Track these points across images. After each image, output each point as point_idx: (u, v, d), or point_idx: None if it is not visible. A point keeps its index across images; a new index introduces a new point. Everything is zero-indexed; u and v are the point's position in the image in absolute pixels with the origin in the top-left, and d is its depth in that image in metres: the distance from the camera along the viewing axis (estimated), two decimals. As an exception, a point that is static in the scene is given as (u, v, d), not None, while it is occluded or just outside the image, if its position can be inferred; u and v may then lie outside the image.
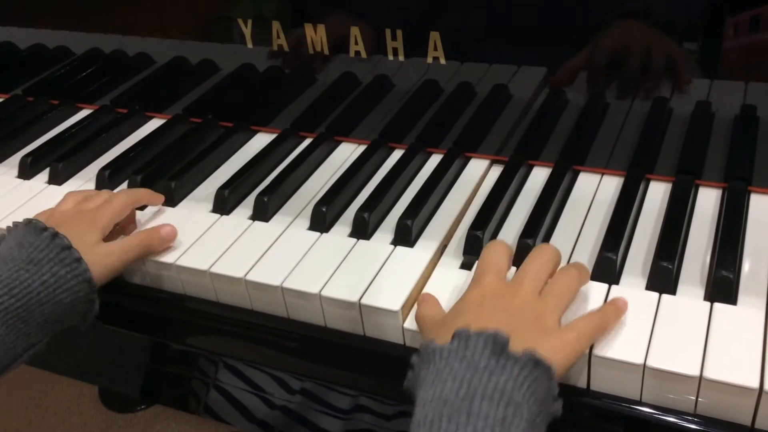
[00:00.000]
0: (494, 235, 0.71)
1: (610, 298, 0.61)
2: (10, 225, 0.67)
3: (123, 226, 0.75)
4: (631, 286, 0.63)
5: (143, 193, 0.78)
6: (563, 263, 0.66)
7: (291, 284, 0.66)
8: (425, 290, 0.65)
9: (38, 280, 0.62)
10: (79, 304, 0.65)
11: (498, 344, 0.50)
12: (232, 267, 0.69)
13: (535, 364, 0.50)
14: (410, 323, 0.63)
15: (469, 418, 0.47)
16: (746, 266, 0.64)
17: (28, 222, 0.66)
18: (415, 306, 0.63)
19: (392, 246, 0.70)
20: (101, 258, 0.68)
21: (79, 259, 0.65)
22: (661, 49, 0.73)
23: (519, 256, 0.67)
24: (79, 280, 0.64)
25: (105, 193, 0.76)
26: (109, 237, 0.72)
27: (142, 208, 0.79)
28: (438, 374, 0.50)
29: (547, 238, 0.70)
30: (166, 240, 0.72)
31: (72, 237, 0.66)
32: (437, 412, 0.48)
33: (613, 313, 0.58)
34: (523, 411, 0.48)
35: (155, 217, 0.78)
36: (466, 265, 0.68)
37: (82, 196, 0.75)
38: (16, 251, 0.64)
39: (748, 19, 0.68)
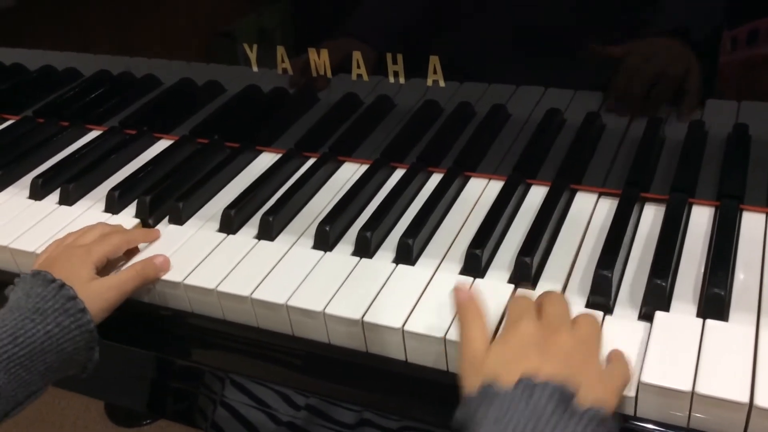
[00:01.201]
0: (493, 253, 0.73)
1: (605, 316, 0.63)
2: (19, 277, 0.69)
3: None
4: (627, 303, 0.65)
5: (139, 234, 0.79)
6: (562, 281, 0.68)
7: (296, 302, 0.68)
8: (424, 309, 0.66)
9: (42, 330, 0.64)
10: (80, 353, 0.67)
11: (565, 395, 0.50)
12: (238, 286, 0.71)
13: (600, 421, 0.50)
14: (411, 341, 0.64)
15: None
16: (738, 283, 0.65)
17: (36, 273, 0.68)
18: (420, 307, 0.63)
19: (394, 264, 0.72)
20: (100, 293, 0.69)
21: (83, 310, 0.66)
22: (662, 70, 0.75)
23: (517, 274, 0.69)
24: (82, 330, 0.66)
25: (100, 227, 0.77)
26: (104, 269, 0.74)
27: None
28: (497, 420, 0.49)
29: (545, 256, 0.72)
30: (160, 270, 0.73)
31: (66, 273, 0.68)
32: None
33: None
34: None
35: (164, 237, 0.80)
36: (465, 283, 0.70)
37: (78, 234, 0.76)
38: (23, 301, 0.65)
39: (744, 35, 0.70)
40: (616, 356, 0.57)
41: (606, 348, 0.58)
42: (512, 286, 0.68)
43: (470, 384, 0.54)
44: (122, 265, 0.76)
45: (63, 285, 0.66)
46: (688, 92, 0.74)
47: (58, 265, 0.70)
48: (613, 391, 0.54)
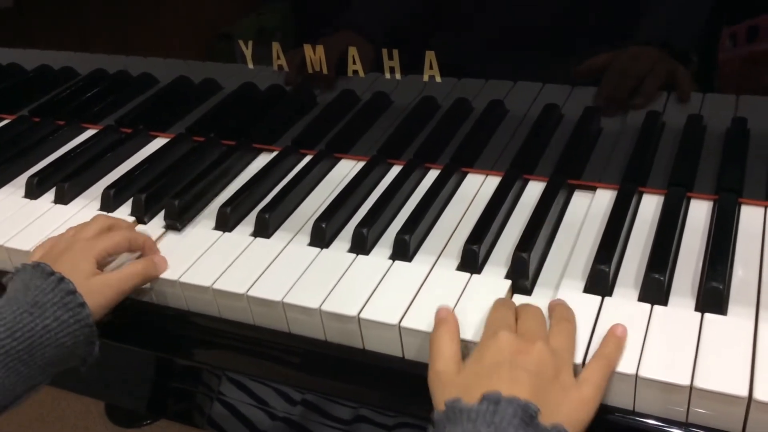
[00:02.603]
0: (490, 249, 0.73)
1: (603, 310, 0.63)
2: (18, 266, 0.68)
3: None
4: (624, 297, 0.64)
5: (140, 238, 0.76)
6: (558, 275, 0.68)
7: (292, 299, 0.68)
8: (420, 306, 0.66)
9: (41, 324, 0.63)
10: (79, 347, 0.66)
11: (528, 414, 0.51)
12: (234, 283, 0.70)
13: None
14: (407, 337, 0.64)
15: None
16: (736, 277, 0.65)
17: (36, 265, 0.67)
18: (417, 303, 0.63)
19: (391, 261, 0.72)
20: (100, 290, 0.68)
21: (82, 304, 0.65)
22: (657, 66, 0.74)
23: (514, 270, 0.69)
24: (81, 325, 0.65)
25: (101, 219, 0.76)
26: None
27: None
28: None
29: (543, 252, 0.71)
30: (160, 270, 0.73)
31: (67, 267, 0.67)
32: None
33: (615, 346, 0.58)
34: None
35: (160, 235, 0.80)
36: (462, 279, 0.69)
37: (78, 228, 0.76)
38: (21, 293, 0.65)
39: (744, 30, 0.69)
40: (590, 369, 0.57)
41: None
42: (509, 281, 0.68)
43: (438, 400, 0.56)
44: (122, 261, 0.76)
45: (62, 278, 0.66)
46: (685, 86, 0.74)
47: (59, 258, 0.69)
48: (582, 401, 0.55)
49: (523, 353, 0.56)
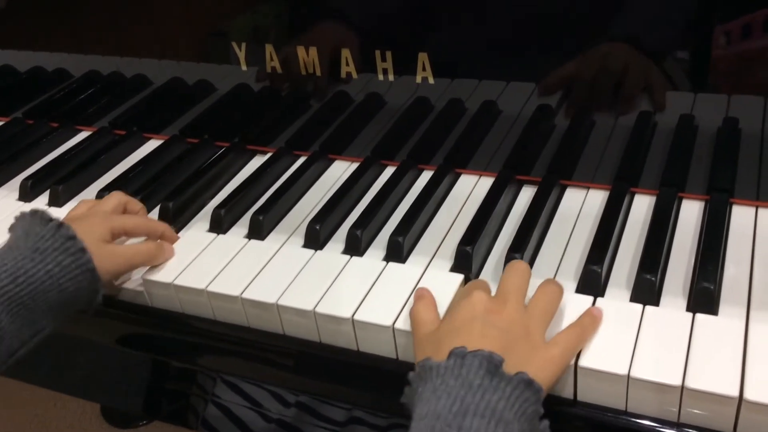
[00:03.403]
0: (484, 250, 0.73)
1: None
2: (18, 214, 0.69)
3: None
4: (616, 298, 0.65)
5: (160, 228, 0.77)
6: (551, 276, 0.68)
7: (286, 301, 0.68)
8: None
9: (43, 269, 0.63)
10: (82, 292, 0.67)
11: (492, 364, 0.52)
12: (228, 285, 0.71)
13: (527, 384, 0.52)
14: (401, 338, 0.64)
15: None
16: (727, 277, 0.65)
17: (35, 212, 0.68)
18: (410, 305, 0.64)
19: (384, 262, 0.72)
20: (108, 256, 0.69)
21: (83, 249, 0.66)
22: (645, 66, 0.75)
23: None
24: (82, 270, 0.66)
25: (118, 195, 0.78)
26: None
27: None
28: (434, 391, 0.52)
29: (535, 252, 0.72)
30: (167, 256, 0.74)
31: (82, 230, 0.67)
32: (430, 426, 0.50)
33: (590, 323, 0.60)
34: (514, 429, 0.50)
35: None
36: (456, 280, 0.70)
37: (97, 200, 0.77)
38: (21, 240, 0.65)
39: (738, 28, 0.70)
40: (562, 333, 0.59)
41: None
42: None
43: (417, 361, 0.57)
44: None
45: (61, 224, 0.66)
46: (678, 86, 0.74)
47: (74, 221, 0.70)
48: (549, 359, 0.56)
49: (494, 312, 0.58)
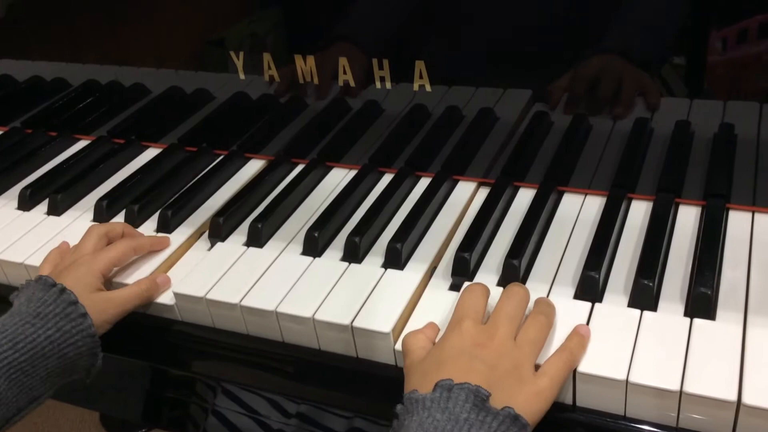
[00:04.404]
0: (482, 256, 0.73)
1: (593, 316, 0.63)
2: (23, 283, 0.69)
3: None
4: (614, 304, 0.65)
5: (146, 241, 0.78)
6: (549, 282, 0.69)
7: (285, 309, 0.68)
8: (415, 313, 0.67)
9: (43, 335, 0.63)
10: (83, 358, 0.67)
11: (479, 398, 0.52)
12: (227, 293, 0.71)
13: (513, 419, 0.52)
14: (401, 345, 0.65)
15: None
16: (724, 282, 0.66)
17: (39, 278, 0.68)
18: (409, 311, 0.65)
19: (383, 269, 0.72)
20: (103, 307, 0.69)
21: (84, 315, 0.66)
22: (641, 71, 0.75)
23: (505, 278, 0.69)
24: (83, 335, 0.66)
25: (95, 230, 0.76)
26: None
27: None
28: (420, 424, 0.52)
29: (532, 258, 0.72)
30: (162, 289, 0.74)
31: (71, 282, 0.67)
32: None
33: (578, 345, 0.59)
34: None
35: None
36: (454, 287, 0.70)
37: (78, 243, 0.76)
38: (24, 306, 0.65)
39: (734, 34, 0.70)
40: (549, 362, 0.58)
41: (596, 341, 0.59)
42: (501, 288, 0.68)
43: (406, 391, 0.57)
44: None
45: (64, 289, 0.66)
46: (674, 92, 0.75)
47: (62, 273, 0.70)
48: (537, 393, 0.55)
49: (482, 346, 0.58)
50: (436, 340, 0.61)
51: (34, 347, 0.63)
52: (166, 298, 0.73)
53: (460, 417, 0.51)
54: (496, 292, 0.67)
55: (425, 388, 0.55)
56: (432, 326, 0.64)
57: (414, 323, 0.66)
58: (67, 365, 0.65)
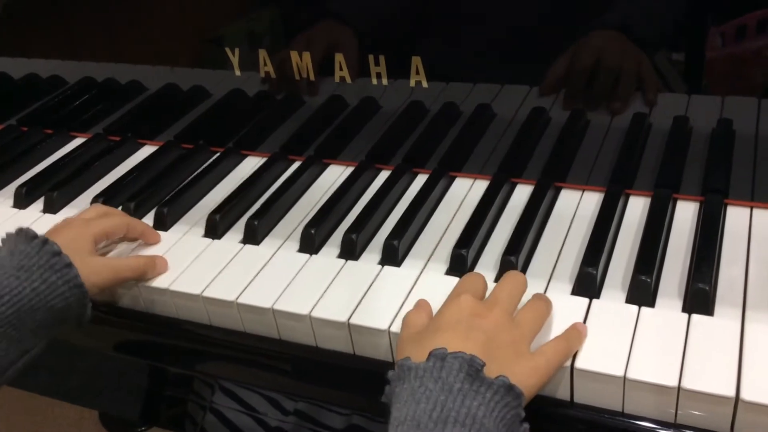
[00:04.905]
0: (479, 253, 0.73)
1: (591, 312, 0.63)
2: (4, 236, 0.68)
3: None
4: (612, 300, 0.65)
5: (139, 224, 0.78)
6: (546, 278, 0.68)
7: (281, 306, 0.68)
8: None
9: (29, 287, 0.63)
10: (71, 309, 0.66)
11: (473, 368, 0.52)
12: (223, 290, 0.70)
13: (508, 389, 0.52)
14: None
15: None
16: (723, 278, 0.65)
17: (20, 230, 0.67)
18: (406, 309, 0.64)
19: (380, 266, 0.72)
20: (94, 269, 0.68)
21: (69, 265, 0.65)
22: (640, 67, 0.75)
23: (502, 273, 0.69)
24: (69, 286, 0.65)
25: (97, 206, 0.78)
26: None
27: None
28: (412, 393, 0.51)
29: (530, 255, 0.72)
30: (159, 271, 0.73)
31: (64, 243, 0.66)
32: None
33: (576, 337, 0.59)
34: None
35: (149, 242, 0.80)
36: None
37: (77, 214, 0.76)
38: (6, 260, 0.64)
39: (732, 30, 0.70)
40: (548, 344, 0.58)
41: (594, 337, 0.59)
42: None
43: (397, 359, 0.57)
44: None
45: (46, 240, 0.65)
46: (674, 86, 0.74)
47: (55, 233, 0.69)
48: (533, 368, 0.55)
49: (480, 316, 0.57)
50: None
51: (20, 299, 0.62)
52: (162, 295, 0.73)
53: (453, 387, 0.51)
54: (493, 287, 0.67)
55: (419, 356, 0.54)
56: (428, 306, 0.64)
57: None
58: (56, 316, 0.65)
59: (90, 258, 0.69)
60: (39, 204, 0.91)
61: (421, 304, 0.64)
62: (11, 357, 0.63)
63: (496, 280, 0.69)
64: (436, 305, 0.65)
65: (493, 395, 0.51)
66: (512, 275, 0.64)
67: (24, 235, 0.66)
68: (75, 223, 0.72)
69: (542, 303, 0.62)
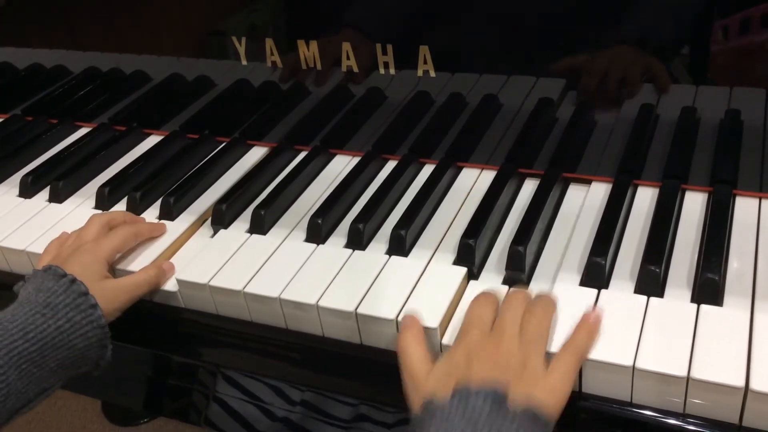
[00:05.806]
0: (487, 244, 0.73)
1: (599, 302, 0.63)
2: (30, 273, 0.68)
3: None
4: (620, 290, 0.65)
5: (145, 228, 0.78)
6: (555, 269, 0.68)
7: (288, 295, 0.68)
8: (417, 300, 0.66)
9: (53, 325, 0.63)
10: (92, 349, 0.66)
11: (498, 398, 0.52)
12: (230, 280, 0.70)
13: (534, 418, 0.51)
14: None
15: None
16: (731, 268, 0.65)
17: (48, 268, 0.67)
18: (413, 298, 0.64)
19: (387, 256, 0.72)
20: (113, 294, 0.68)
21: (94, 306, 0.65)
22: (646, 59, 0.74)
23: (511, 263, 0.69)
24: (93, 326, 0.65)
25: (97, 219, 0.76)
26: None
27: None
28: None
29: (538, 245, 0.72)
30: (168, 275, 0.73)
31: (78, 270, 0.67)
32: None
33: (586, 338, 0.58)
34: None
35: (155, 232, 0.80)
36: (459, 273, 0.70)
37: (77, 232, 0.75)
38: (33, 295, 0.65)
39: (736, 23, 0.70)
40: (557, 359, 0.57)
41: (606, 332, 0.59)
42: (506, 287, 0.67)
43: (415, 403, 0.56)
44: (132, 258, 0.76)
45: (74, 280, 0.66)
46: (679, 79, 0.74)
47: (68, 261, 0.69)
48: (551, 390, 0.55)
49: (487, 349, 0.57)
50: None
51: (44, 338, 0.62)
52: (169, 285, 0.73)
53: (479, 420, 0.51)
54: (496, 285, 0.67)
55: (441, 395, 0.54)
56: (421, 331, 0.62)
57: (415, 305, 0.65)
58: (77, 356, 0.65)
59: (105, 283, 0.69)
60: (45, 193, 0.91)
61: (412, 327, 0.61)
62: (29, 395, 0.63)
63: (505, 269, 0.69)
64: (443, 300, 0.65)
65: (518, 426, 0.51)
66: (512, 297, 0.62)
67: (53, 272, 0.66)
68: (85, 247, 0.71)
69: (540, 311, 0.60)
